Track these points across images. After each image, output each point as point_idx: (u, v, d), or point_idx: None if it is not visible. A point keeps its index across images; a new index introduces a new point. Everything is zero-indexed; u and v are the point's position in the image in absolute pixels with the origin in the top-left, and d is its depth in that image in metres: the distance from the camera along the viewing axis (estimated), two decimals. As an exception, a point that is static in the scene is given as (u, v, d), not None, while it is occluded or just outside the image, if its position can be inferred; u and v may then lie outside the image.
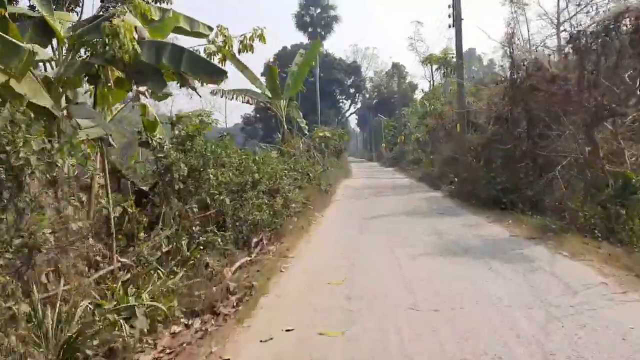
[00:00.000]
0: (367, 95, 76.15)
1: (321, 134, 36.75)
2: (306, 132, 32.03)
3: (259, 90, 23.29)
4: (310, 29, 61.89)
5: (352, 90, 73.72)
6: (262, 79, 24.10)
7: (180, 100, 29.03)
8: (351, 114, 77.51)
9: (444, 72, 37.89)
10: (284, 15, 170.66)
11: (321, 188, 20.56)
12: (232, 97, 22.56)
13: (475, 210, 13.61)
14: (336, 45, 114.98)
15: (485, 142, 15.78)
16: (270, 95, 23.46)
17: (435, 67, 40.11)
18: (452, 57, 31.89)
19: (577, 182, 10.92)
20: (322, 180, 22.17)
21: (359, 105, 78.00)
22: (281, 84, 24.03)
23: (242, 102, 23.91)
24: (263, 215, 9.24)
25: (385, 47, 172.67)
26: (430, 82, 42.80)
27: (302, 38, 65.36)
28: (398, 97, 73.84)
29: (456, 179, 18.95)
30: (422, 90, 52.02)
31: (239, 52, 8.35)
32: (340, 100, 74.28)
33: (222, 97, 22.44)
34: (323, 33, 61.99)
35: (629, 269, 6.53)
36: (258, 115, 71.73)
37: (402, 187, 24.42)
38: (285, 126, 25.58)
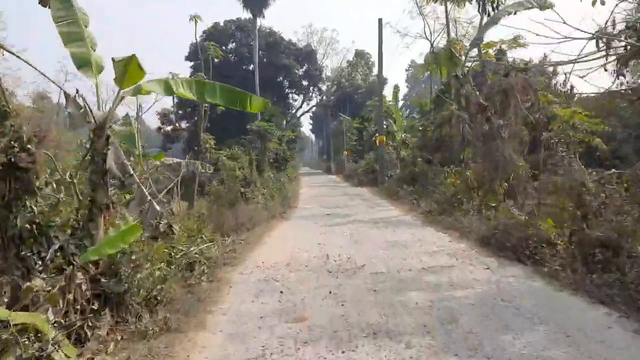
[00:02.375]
0: (325, 90, 59.79)
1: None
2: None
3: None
4: (246, -7, 45.16)
5: (305, 83, 57.30)
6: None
7: None
8: (305, 112, 61.23)
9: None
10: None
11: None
12: None
13: None
14: (284, 22, 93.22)
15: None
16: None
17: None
18: None
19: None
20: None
21: (313, 103, 61.61)
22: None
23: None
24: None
25: (346, 29, 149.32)
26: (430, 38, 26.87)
27: (236, 6, 48.68)
28: (364, 93, 58.09)
29: None
30: (396, 86, 35.73)
31: None
32: (290, 94, 57.74)
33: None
34: (263, -1, 45.44)
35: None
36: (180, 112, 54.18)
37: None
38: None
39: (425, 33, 27.82)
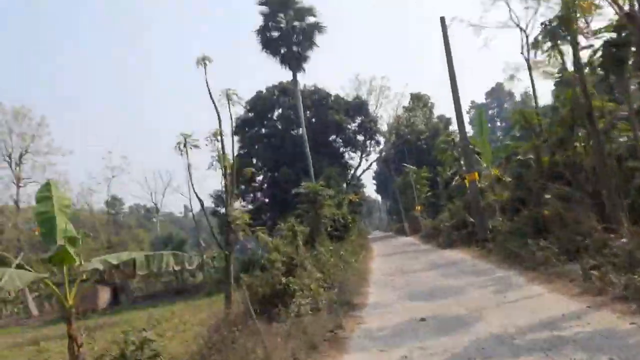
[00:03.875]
0: (383, 142, 53.54)
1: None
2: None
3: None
4: (282, 50, 41.09)
5: (360, 138, 51.53)
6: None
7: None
8: (365, 170, 54.93)
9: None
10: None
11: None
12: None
13: None
14: (329, 78, 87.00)
15: None
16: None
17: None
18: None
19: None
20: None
21: (373, 158, 55.36)
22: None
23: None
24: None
25: (395, 73, 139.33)
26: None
27: (276, 67, 44.95)
28: (427, 138, 51.33)
29: None
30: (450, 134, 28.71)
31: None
32: (345, 153, 51.97)
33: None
34: (300, 51, 41.04)
35: None
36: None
37: None
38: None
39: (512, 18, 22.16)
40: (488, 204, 19.14)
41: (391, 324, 7.86)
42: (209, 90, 19.62)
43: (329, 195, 25.47)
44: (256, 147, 49.83)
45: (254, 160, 49.59)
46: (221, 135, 18.61)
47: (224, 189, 19.00)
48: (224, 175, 19.09)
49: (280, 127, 51.19)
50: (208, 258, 44.11)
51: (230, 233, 18.17)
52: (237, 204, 53.15)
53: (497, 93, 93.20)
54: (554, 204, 12.71)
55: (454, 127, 46.49)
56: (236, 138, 51.32)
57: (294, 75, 42.38)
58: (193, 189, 19.02)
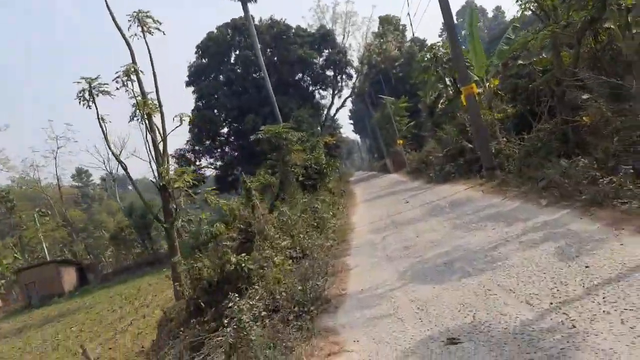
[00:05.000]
0: (355, 75, 48.79)
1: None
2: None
3: None
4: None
5: (329, 73, 46.83)
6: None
7: None
8: (339, 108, 50.52)
9: None
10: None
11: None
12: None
13: None
14: (287, 8, 76.65)
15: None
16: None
17: None
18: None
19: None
20: None
21: (346, 95, 50.85)
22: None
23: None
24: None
25: None
26: None
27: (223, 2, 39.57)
28: (403, 64, 46.88)
29: None
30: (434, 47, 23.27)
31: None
32: (316, 92, 47.44)
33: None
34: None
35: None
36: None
37: None
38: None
39: None
40: (488, 123, 15.33)
41: (392, 353, 4.13)
42: (111, 16, 14.93)
43: (300, 139, 21.45)
44: (215, 96, 44.95)
45: (215, 112, 44.89)
46: (137, 73, 14.14)
47: (150, 145, 14.78)
48: (147, 127, 14.77)
49: (239, 71, 46.17)
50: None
51: (168, 200, 14.16)
52: (204, 162, 48.68)
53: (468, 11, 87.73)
54: (595, 108, 8.88)
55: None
56: (190, 89, 46.27)
57: (245, 8, 36.99)
58: (108, 147, 14.80)
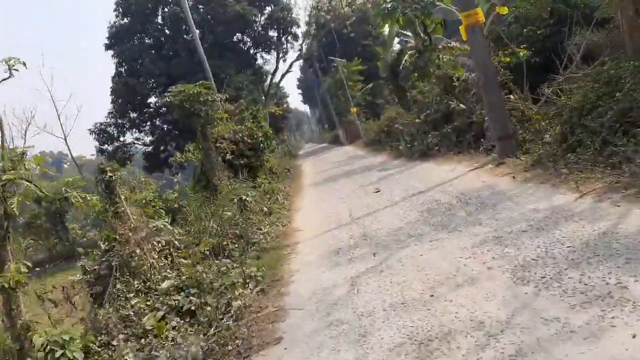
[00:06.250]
0: (302, 35, 43.37)
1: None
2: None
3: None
4: None
5: (272, 34, 41.26)
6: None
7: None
8: (285, 73, 45.11)
9: None
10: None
11: None
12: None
13: None
14: None
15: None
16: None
17: None
18: None
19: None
20: None
21: (292, 58, 45.40)
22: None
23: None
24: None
25: None
26: None
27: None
28: (355, 24, 41.99)
29: None
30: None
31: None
32: (258, 55, 41.85)
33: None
34: None
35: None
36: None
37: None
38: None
39: None
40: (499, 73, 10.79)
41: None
42: None
43: (226, 101, 16.44)
44: (140, 61, 38.50)
45: (141, 79, 38.49)
46: None
47: None
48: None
49: (168, 32, 39.78)
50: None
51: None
52: (130, 138, 42.20)
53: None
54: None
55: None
56: (110, 53, 39.46)
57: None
58: None
